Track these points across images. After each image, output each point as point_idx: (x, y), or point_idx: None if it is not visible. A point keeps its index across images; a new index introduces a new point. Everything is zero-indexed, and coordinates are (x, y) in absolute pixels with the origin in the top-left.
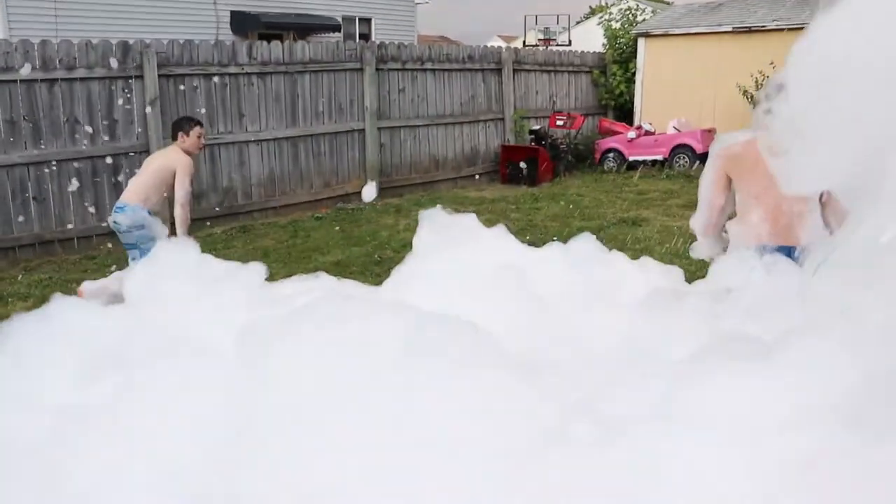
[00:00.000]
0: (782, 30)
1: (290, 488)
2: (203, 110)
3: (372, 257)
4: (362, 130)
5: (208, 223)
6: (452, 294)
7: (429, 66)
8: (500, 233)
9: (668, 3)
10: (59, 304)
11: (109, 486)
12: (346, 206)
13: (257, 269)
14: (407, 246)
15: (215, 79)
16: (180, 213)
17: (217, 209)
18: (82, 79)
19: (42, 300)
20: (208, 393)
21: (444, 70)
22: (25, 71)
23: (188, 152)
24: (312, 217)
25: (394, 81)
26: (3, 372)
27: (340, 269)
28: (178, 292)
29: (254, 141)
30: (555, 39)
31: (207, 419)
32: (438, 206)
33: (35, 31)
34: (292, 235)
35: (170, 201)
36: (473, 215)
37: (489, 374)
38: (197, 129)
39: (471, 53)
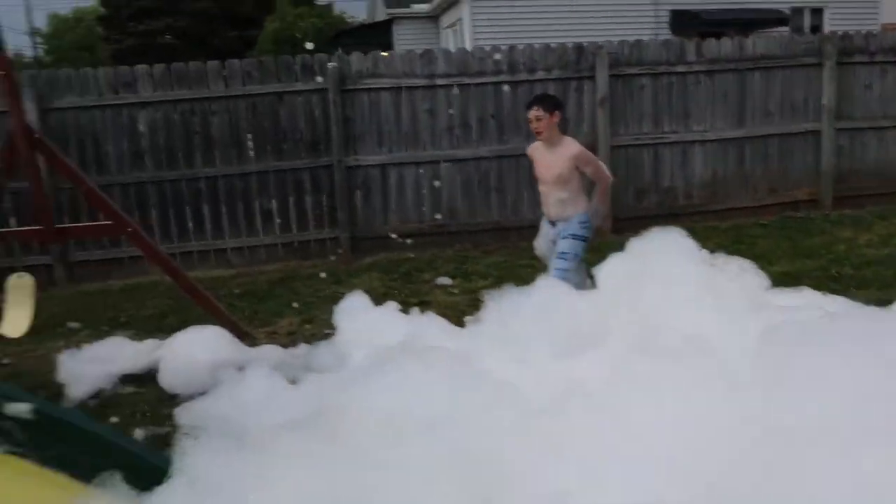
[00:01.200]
0: None
1: None
2: (650, 109)
3: (827, 272)
4: (817, 132)
5: (647, 222)
6: None
7: None
8: None
9: None
10: (542, 285)
11: (608, 463)
12: (794, 214)
13: (753, 271)
14: (871, 264)
15: (663, 78)
16: None
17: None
18: (542, 80)
19: (498, 280)
20: (712, 392)
21: None
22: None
23: None
24: (756, 223)
25: (858, 76)
26: (492, 334)
27: (790, 282)
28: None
29: (699, 141)
30: None
31: (711, 419)
32: None
33: (493, 39)
34: (735, 241)
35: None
36: None
37: None
38: (527, 114)
39: None
